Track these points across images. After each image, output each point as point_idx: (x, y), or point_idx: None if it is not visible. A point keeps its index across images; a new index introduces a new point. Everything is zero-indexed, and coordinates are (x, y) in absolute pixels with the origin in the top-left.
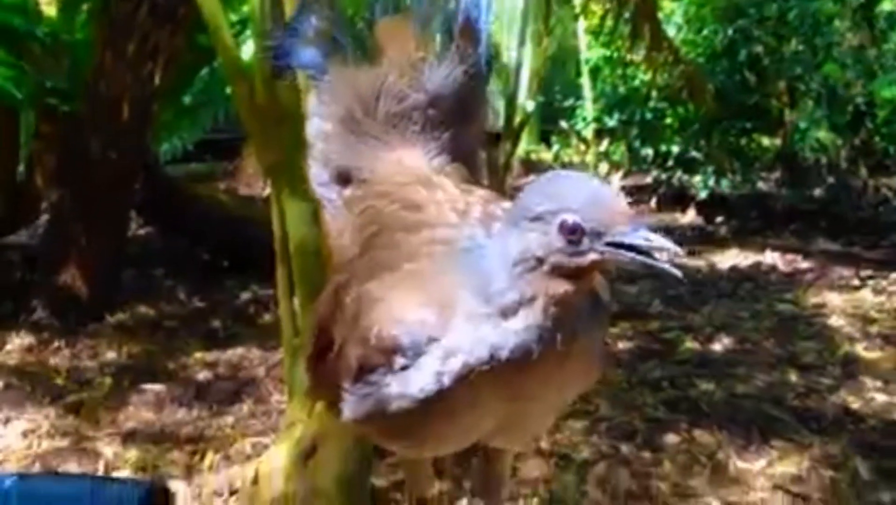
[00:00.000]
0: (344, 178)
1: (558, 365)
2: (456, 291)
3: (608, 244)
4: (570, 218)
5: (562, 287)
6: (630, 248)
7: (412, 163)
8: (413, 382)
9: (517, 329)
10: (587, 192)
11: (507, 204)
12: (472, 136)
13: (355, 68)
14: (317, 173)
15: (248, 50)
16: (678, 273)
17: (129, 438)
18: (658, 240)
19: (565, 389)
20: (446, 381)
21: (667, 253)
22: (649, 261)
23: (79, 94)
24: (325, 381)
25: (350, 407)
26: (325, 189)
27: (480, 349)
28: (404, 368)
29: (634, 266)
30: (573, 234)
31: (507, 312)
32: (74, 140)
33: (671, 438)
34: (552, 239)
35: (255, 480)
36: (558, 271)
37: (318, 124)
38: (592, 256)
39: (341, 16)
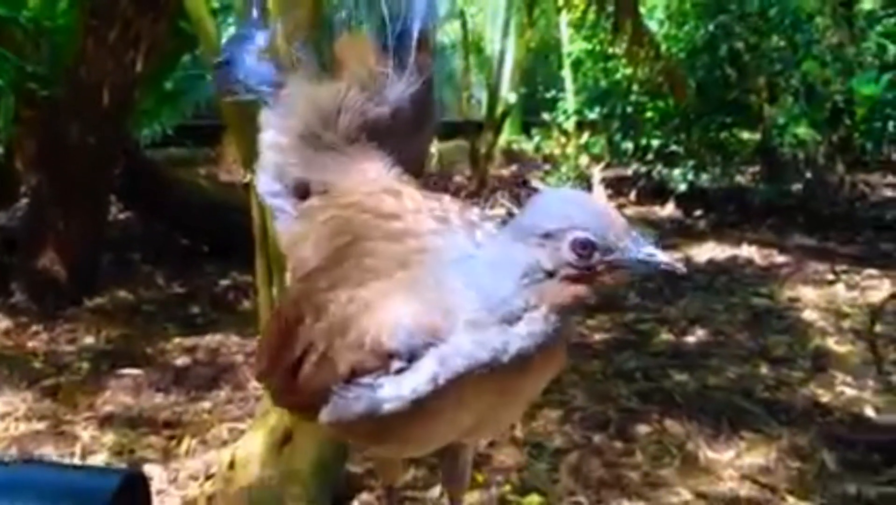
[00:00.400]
0: (302, 190)
1: (548, 363)
2: (455, 298)
3: (615, 259)
4: (582, 235)
5: (566, 296)
6: (631, 261)
7: (374, 174)
8: (407, 384)
9: (521, 334)
10: (595, 211)
11: (475, 210)
12: (425, 141)
13: (315, 82)
14: (267, 183)
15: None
16: (682, 268)
17: (106, 422)
18: (659, 255)
19: (543, 382)
20: (442, 382)
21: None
22: (650, 268)
23: (59, 80)
24: (300, 386)
25: (333, 410)
26: (277, 200)
27: (482, 353)
28: (400, 370)
29: (639, 272)
30: (584, 249)
31: (511, 319)
32: (54, 125)
33: (643, 429)
34: (564, 254)
35: (232, 465)
36: (566, 282)
37: (274, 137)
38: (601, 269)
39: (296, 31)
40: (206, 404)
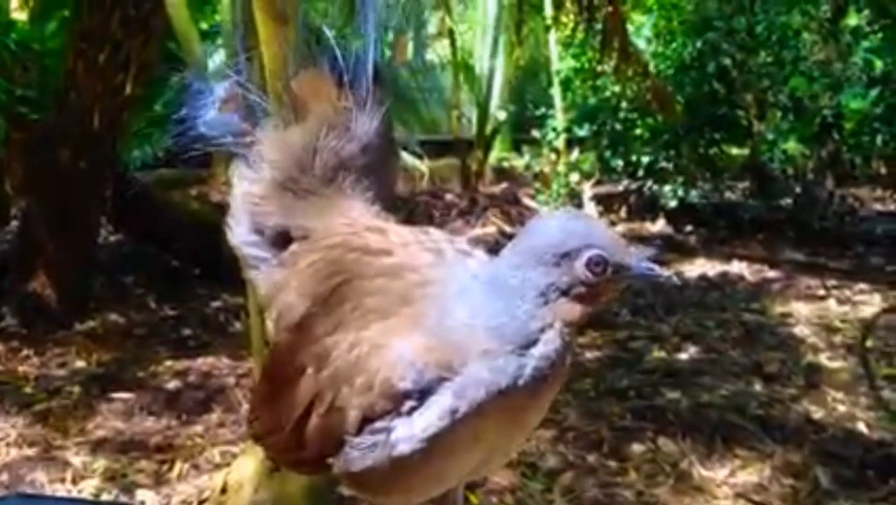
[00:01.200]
0: (281, 239)
1: (557, 380)
2: (466, 329)
3: (622, 274)
4: (597, 253)
5: (577, 313)
6: (633, 275)
7: (356, 213)
8: (421, 422)
9: (536, 356)
10: (603, 230)
11: (463, 240)
12: (394, 172)
13: (283, 127)
14: (242, 234)
15: (217, 60)
16: (676, 280)
17: (97, 447)
18: (656, 270)
19: (551, 401)
20: (461, 414)
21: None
22: (652, 274)
23: (49, 103)
24: (308, 442)
25: (347, 461)
26: (254, 249)
27: (501, 379)
28: (412, 410)
29: (639, 283)
30: (598, 266)
31: (527, 344)
32: (44, 148)
33: (637, 448)
34: (577, 272)
35: (224, 490)
36: (577, 299)
37: (247, 187)
38: (608, 285)
39: (258, 80)
40: (198, 428)
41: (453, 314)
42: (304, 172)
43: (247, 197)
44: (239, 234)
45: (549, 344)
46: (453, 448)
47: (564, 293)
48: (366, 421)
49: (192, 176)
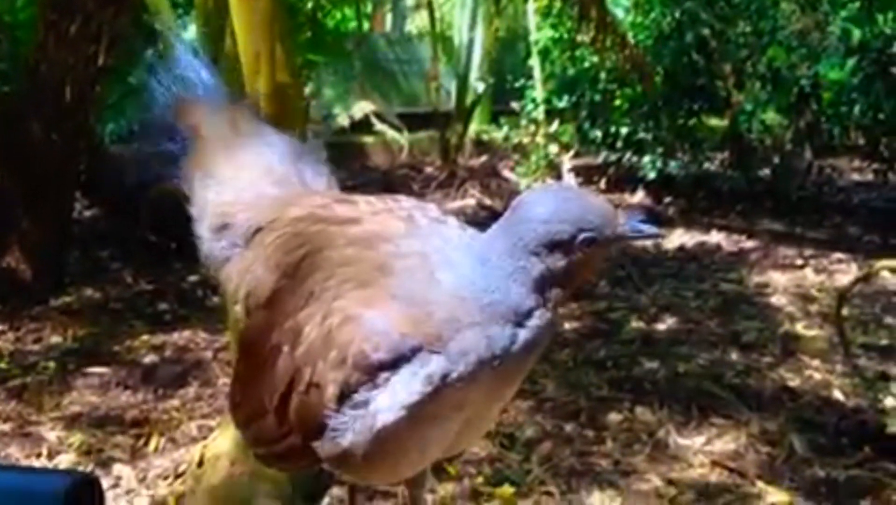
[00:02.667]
0: (253, 231)
1: (539, 350)
2: (456, 302)
3: (611, 243)
4: (590, 235)
5: (567, 283)
6: (621, 238)
7: (312, 194)
8: (403, 391)
9: (528, 326)
10: (594, 207)
11: (433, 207)
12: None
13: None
14: (211, 240)
15: (191, 31)
16: (660, 233)
17: (73, 422)
18: (647, 228)
19: (519, 383)
20: (449, 383)
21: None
22: (637, 238)
23: (20, 75)
24: (293, 423)
25: (332, 439)
26: (224, 245)
27: (493, 347)
28: (388, 381)
29: (627, 244)
30: (589, 246)
31: (520, 319)
32: (16, 121)
33: (614, 417)
34: (573, 255)
35: (201, 463)
36: (568, 274)
37: (213, 197)
38: (597, 256)
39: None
40: (175, 402)
41: (439, 287)
42: (257, 184)
43: (213, 205)
44: (208, 239)
45: (541, 318)
46: (435, 417)
47: (557, 276)
48: (343, 396)
49: None
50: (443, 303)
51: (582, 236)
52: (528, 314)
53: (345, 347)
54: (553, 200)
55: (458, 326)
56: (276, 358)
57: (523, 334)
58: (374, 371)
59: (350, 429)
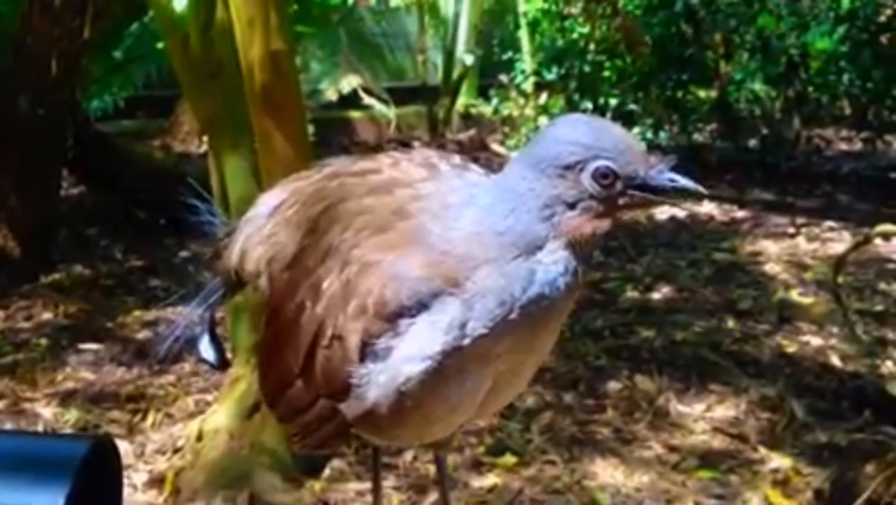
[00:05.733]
0: None
1: (567, 302)
2: (470, 240)
3: (637, 187)
4: (604, 164)
5: (586, 230)
6: (653, 188)
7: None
8: (425, 339)
9: (545, 262)
10: (616, 137)
11: (457, 156)
12: None
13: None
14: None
15: (180, 2)
16: (703, 191)
17: (68, 398)
18: (681, 180)
19: (554, 339)
20: (471, 328)
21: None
22: (673, 194)
23: (4, 49)
24: (320, 384)
25: (358, 396)
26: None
27: (511, 286)
28: (410, 327)
29: (662, 199)
30: (606, 179)
31: (534, 250)
32: (1, 97)
33: (613, 386)
34: (586, 185)
35: (200, 437)
36: (588, 214)
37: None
38: (623, 200)
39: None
40: (171, 377)
41: (457, 225)
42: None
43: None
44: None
45: (556, 254)
46: (462, 369)
47: (572, 207)
48: (366, 346)
49: (155, 126)
50: (459, 240)
51: (597, 164)
52: (540, 246)
53: (364, 295)
54: (574, 122)
55: (474, 263)
56: (300, 317)
57: (541, 273)
58: (395, 317)
59: (374, 383)
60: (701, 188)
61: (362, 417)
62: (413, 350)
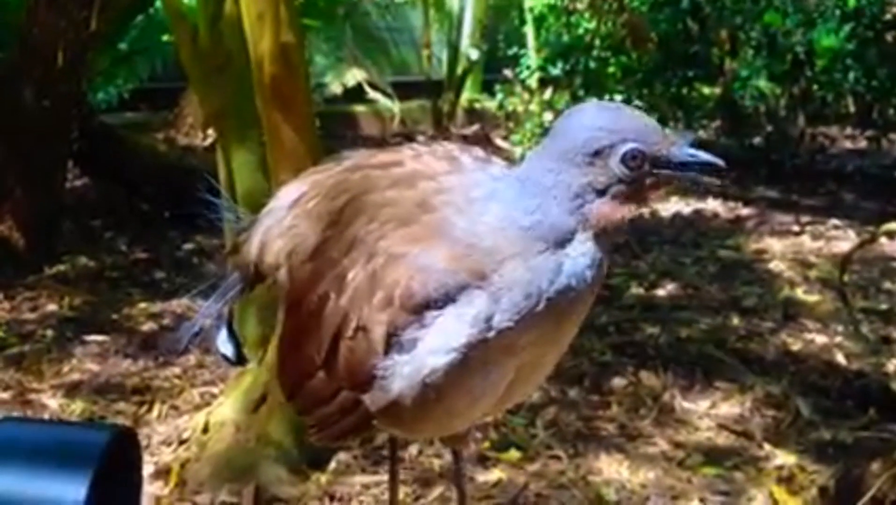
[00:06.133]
0: None
1: (592, 292)
2: (496, 234)
3: (663, 166)
4: (633, 147)
5: (616, 215)
6: (676, 165)
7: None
8: (451, 332)
9: (573, 255)
10: (637, 120)
11: (478, 149)
12: None
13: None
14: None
15: None
16: (722, 163)
17: (73, 389)
18: (701, 154)
19: (575, 331)
20: (496, 322)
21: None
22: (695, 169)
23: (10, 41)
24: (342, 375)
25: (382, 388)
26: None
27: (539, 279)
28: (436, 320)
29: (688, 177)
30: (634, 160)
31: (563, 243)
32: (7, 89)
33: (618, 382)
34: (615, 170)
35: (206, 430)
36: (618, 199)
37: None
38: (651, 181)
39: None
40: (176, 369)
41: (482, 219)
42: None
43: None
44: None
45: (584, 246)
46: (486, 361)
47: (602, 193)
48: (391, 338)
49: (159, 119)
50: (485, 234)
51: (625, 147)
52: (570, 238)
53: (391, 287)
54: (596, 109)
55: (501, 256)
56: (323, 308)
57: (569, 265)
58: (421, 309)
59: (398, 375)
60: (720, 161)
61: (385, 409)
62: (439, 342)
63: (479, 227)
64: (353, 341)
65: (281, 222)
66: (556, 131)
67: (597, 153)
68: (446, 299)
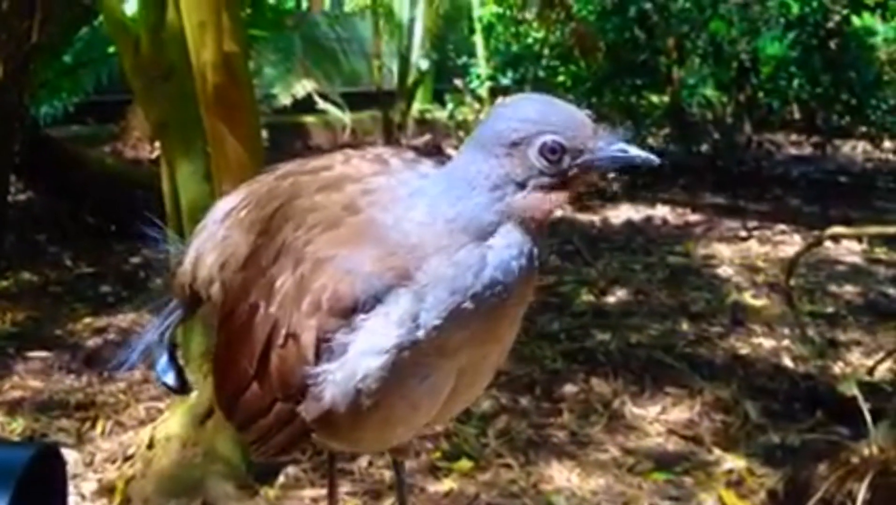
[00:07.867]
0: None
1: (525, 289)
2: (420, 230)
3: (586, 160)
4: (551, 139)
5: (539, 208)
6: (601, 160)
7: None
8: (379, 333)
9: (497, 247)
10: (561, 113)
11: (409, 152)
12: None
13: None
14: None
15: (131, 5)
16: (655, 159)
17: (15, 406)
18: (633, 150)
19: (515, 330)
20: (423, 320)
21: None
22: (625, 157)
23: None
24: (275, 387)
25: (315, 397)
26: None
27: (463, 274)
28: (365, 322)
29: (613, 169)
30: (554, 154)
31: (484, 235)
32: None
33: (569, 389)
34: (534, 162)
35: (151, 445)
36: (538, 193)
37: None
38: (574, 172)
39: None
40: (121, 385)
41: (408, 215)
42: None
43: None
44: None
45: (508, 237)
46: (418, 362)
47: (521, 186)
48: (321, 343)
49: (106, 132)
50: (411, 231)
51: (543, 139)
52: (493, 230)
53: (318, 292)
54: (523, 101)
55: (425, 253)
56: (254, 318)
57: (493, 258)
58: (350, 313)
59: (330, 382)
60: (653, 157)
61: (321, 420)
62: (368, 345)
63: (405, 224)
64: (283, 350)
65: (214, 235)
66: (482, 122)
67: (514, 144)
68: (374, 301)
